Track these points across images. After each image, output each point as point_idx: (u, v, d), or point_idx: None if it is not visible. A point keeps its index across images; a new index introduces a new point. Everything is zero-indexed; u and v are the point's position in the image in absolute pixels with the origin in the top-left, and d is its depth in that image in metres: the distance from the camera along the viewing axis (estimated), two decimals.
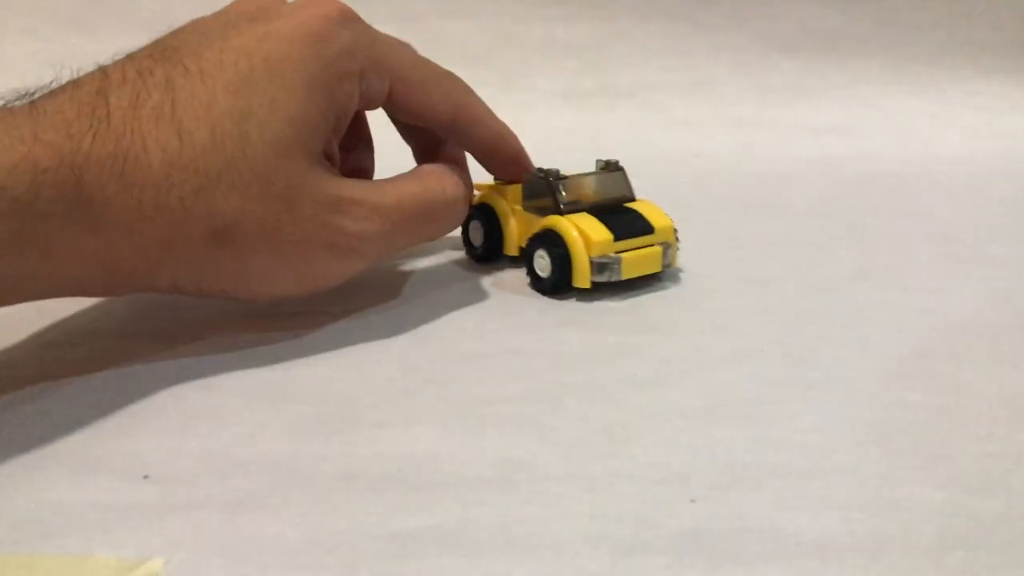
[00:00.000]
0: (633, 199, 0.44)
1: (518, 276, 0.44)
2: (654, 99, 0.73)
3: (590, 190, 0.43)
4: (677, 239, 0.43)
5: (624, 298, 0.42)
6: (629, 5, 0.76)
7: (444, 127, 0.41)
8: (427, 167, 0.40)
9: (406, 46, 0.40)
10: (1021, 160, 0.66)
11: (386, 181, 0.38)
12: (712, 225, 0.52)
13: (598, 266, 0.40)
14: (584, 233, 0.40)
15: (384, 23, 0.73)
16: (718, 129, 0.71)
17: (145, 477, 0.28)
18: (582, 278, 0.40)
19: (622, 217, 0.41)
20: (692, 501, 0.27)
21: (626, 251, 0.41)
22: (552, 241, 0.41)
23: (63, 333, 0.38)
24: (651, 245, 0.41)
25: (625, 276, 0.40)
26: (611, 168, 0.44)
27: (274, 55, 0.33)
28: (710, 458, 0.29)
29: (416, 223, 0.37)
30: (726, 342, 0.38)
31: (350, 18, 0.36)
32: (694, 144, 0.68)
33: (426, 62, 0.40)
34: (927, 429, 0.31)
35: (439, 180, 0.39)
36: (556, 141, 0.67)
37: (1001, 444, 0.30)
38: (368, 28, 0.37)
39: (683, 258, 0.47)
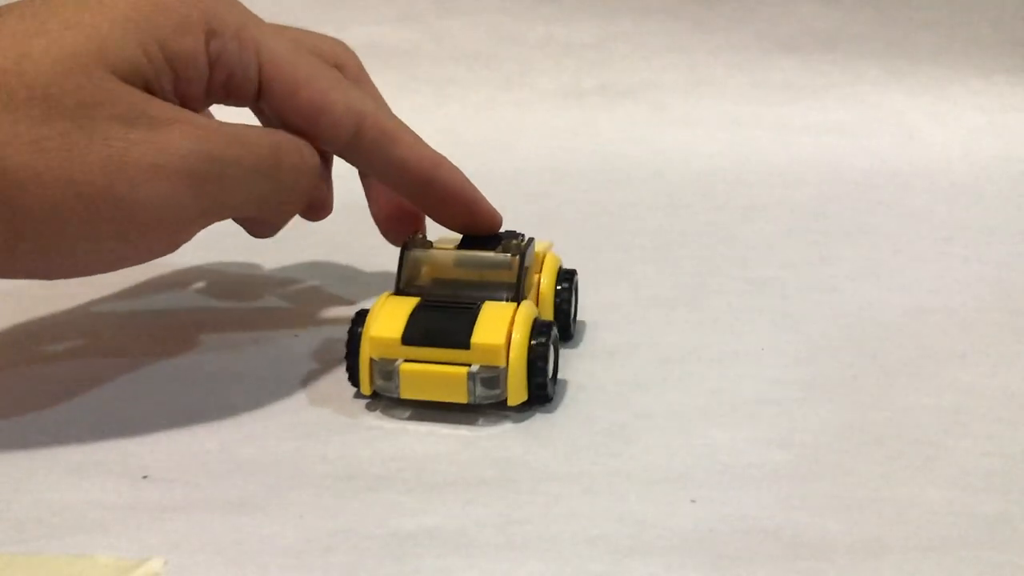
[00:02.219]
0: (513, 298, 0.32)
1: None
2: (654, 98, 0.73)
3: (453, 270, 0.33)
4: (541, 367, 0.31)
5: (623, 298, 0.42)
6: (629, 4, 0.75)
7: (343, 141, 0.32)
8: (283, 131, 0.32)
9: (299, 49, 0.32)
10: (1022, 160, 0.66)
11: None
12: (712, 225, 0.52)
13: (381, 371, 0.31)
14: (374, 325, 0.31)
15: (384, 22, 0.72)
16: (718, 129, 0.70)
17: (144, 477, 0.28)
18: (363, 381, 0.31)
19: (448, 316, 0.31)
20: (692, 501, 0.27)
21: (417, 362, 0.30)
22: (356, 323, 0.32)
23: (62, 336, 0.38)
24: (460, 364, 0.30)
25: (404, 394, 0.30)
26: (505, 247, 0.33)
27: None
28: (710, 458, 0.29)
29: (257, 168, 0.30)
30: (726, 342, 0.38)
31: None
32: (694, 144, 0.68)
33: (322, 63, 0.33)
34: (927, 429, 0.31)
35: (294, 140, 0.31)
36: (556, 141, 0.67)
37: (1001, 444, 0.30)
38: (238, 3, 0.31)
39: (684, 259, 0.47)
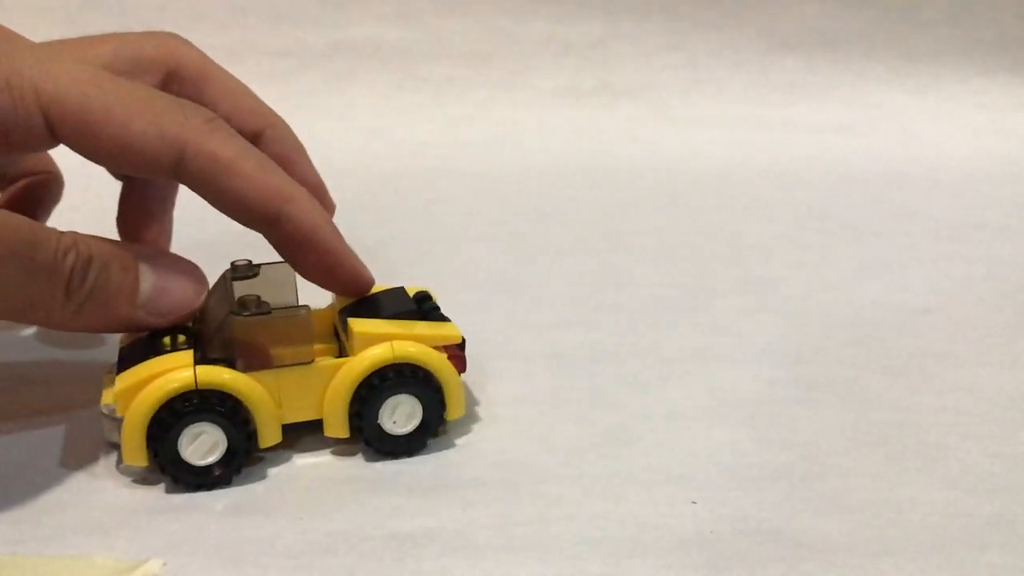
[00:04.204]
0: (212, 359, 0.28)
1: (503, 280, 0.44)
2: (654, 98, 0.73)
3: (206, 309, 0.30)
4: (158, 442, 0.27)
5: (622, 298, 0.42)
6: (629, 4, 0.76)
7: (164, 173, 0.28)
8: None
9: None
10: (1022, 160, 0.66)
11: None
12: (712, 225, 0.52)
13: None
14: None
15: (384, 22, 0.72)
16: (718, 128, 0.70)
17: (143, 478, 0.28)
18: None
19: (144, 347, 0.28)
20: (693, 502, 0.27)
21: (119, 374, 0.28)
22: None
23: (61, 336, 0.38)
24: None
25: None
26: (242, 308, 0.28)
27: None
28: (711, 459, 0.29)
29: None
30: (726, 342, 0.37)
31: None
32: (694, 143, 0.68)
33: (127, 85, 0.28)
34: (927, 429, 0.31)
35: (74, 242, 0.27)
36: (556, 141, 0.67)
37: (1001, 444, 0.30)
38: (18, 45, 0.28)
39: (684, 259, 0.47)
